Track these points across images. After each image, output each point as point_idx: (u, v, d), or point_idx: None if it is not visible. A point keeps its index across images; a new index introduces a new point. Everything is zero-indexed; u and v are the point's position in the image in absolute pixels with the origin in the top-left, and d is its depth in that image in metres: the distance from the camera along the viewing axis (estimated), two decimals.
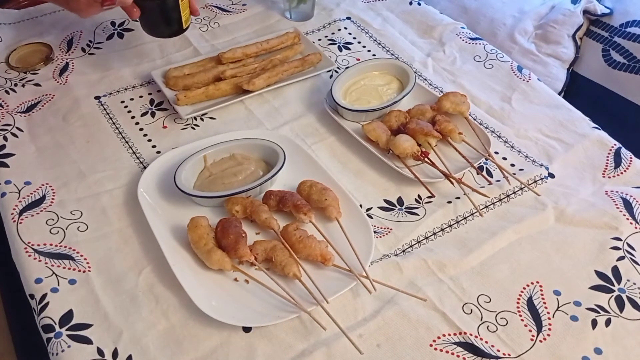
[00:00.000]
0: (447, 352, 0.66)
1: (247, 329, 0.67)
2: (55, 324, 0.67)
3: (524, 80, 1.03)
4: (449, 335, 0.67)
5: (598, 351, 0.66)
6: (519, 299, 0.71)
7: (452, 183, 0.83)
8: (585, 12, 1.26)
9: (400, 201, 0.83)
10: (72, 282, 0.72)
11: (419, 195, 0.84)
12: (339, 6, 1.23)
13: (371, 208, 0.82)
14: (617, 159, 0.89)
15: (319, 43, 1.13)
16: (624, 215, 0.80)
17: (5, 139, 0.91)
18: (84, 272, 0.73)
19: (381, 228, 0.79)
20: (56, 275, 0.72)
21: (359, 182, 0.86)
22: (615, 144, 0.91)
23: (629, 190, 0.84)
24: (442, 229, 0.79)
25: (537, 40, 1.30)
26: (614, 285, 0.72)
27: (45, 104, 0.98)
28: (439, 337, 0.67)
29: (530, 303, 0.71)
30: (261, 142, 0.86)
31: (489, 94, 1.01)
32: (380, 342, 0.67)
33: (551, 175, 0.87)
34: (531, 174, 0.86)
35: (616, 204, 0.82)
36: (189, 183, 0.81)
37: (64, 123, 0.94)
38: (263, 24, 1.17)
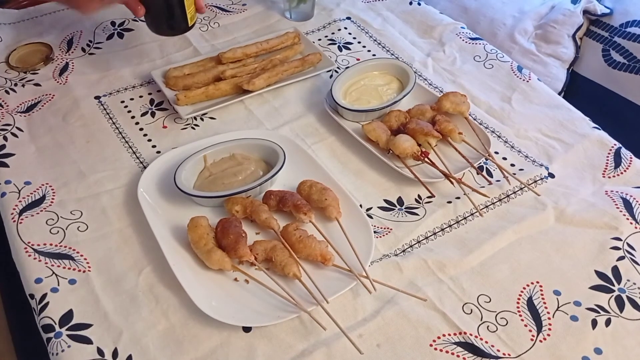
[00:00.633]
0: (447, 352, 0.66)
1: (247, 329, 0.67)
2: (55, 324, 0.67)
3: (524, 80, 1.03)
4: (449, 335, 0.67)
5: (598, 351, 0.66)
6: (519, 299, 0.71)
7: (452, 183, 0.83)
8: (585, 12, 1.26)
9: (400, 201, 0.83)
10: (72, 282, 0.72)
11: (419, 195, 0.84)
12: (339, 6, 1.23)
13: (371, 208, 0.82)
14: (617, 159, 0.89)
15: (319, 43, 1.13)
16: (624, 215, 0.80)
17: (5, 139, 0.91)
18: (84, 272, 0.73)
19: (381, 228, 0.79)
20: (56, 275, 0.72)
21: (359, 182, 0.86)
22: (615, 144, 0.91)
23: (629, 190, 0.84)
24: (442, 229, 0.79)
25: (537, 40, 1.30)
26: (614, 285, 0.72)
27: (45, 104, 0.98)
28: (439, 337, 0.67)
29: (530, 303, 0.71)
30: (261, 142, 0.86)
31: (489, 94, 1.01)
32: (380, 342, 0.67)
33: (551, 175, 0.87)
34: (531, 174, 0.86)
35: (616, 204, 0.82)
36: (189, 183, 0.81)
37: (64, 123, 0.94)
38: (263, 24, 1.17)
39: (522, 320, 0.69)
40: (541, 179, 0.86)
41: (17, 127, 0.93)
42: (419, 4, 1.23)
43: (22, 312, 0.77)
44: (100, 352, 0.65)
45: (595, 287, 0.72)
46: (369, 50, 1.12)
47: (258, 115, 0.96)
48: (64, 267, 0.73)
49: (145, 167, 0.85)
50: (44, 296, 0.70)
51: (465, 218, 0.81)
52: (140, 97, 1.00)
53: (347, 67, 1.01)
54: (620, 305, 0.70)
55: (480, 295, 0.71)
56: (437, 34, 1.15)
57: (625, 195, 0.83)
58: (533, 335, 0.68)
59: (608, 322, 0.69)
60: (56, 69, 1.05)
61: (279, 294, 0.68)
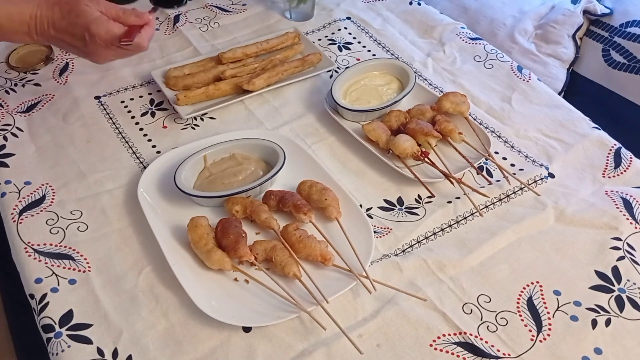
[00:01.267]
0: (447, 352, 0.66)
1: (247, 329, 0.67)
2: (55, 323, 0.67)
3: (524, 80, 1.03)
4: (449, 335, 0.67)
5: (598, 351, 0.66)
6: (519, 299, 0.71)
7: (452, 183, 0.83)
8: (585, 12, 1.26)
9: (400, 201, 0.83)
10: (72, 282, 0.72)
11: (419, 195, 0.84)
12: (339, 6, 1.23)
13: (371, 208, 0.82)
14: (617, 159, 0.89)
15: (319, 43, 1.13)
16: (624, 215, 0.80)
17: (5, 139, 0.91)
18: (84, 272, 0.73)
19: (381, 228, 0.79)
20: (56, 275, 0.72)
21: (359, 182, 0.86)
22: (615, 144, 0.91)
23: (629, 190, 0.84)
24: (442, 229, 0.79)
25: (537, 40, 1.30)
26: (614, 285, 0.72)
27: (45, 104, 0.98)
28: (439, 337, 0.67)
29: (530, 303, 0.71)
30: (261, 142, 0.86)
31: (489, 94, 1.01)
32: (380, 342, 0.67)
33: (551, 175, 0.87)
34: (531, 174, 0.86)
35: (616, 204, 0.82)
36: (189, 183, 0.81)
37: (64, 123, 0.94)
38: (263, 24, 1.17)
39: (522, 320, 0.69)
40: (541, 179, 0.86)
41: (17, 127, 0.93)
42: (419, 4, 1.23)
43: (22, 312, 0.77)
44: (100, 352, 0.65)
45: (595, 287, 0.72)
46: (369, 50, 1.12)
47: (258, 115, 0.96)
48: (64, 267, 0.73)
49: (145, 167, 0.85)
50: (44, 296, 0.70)
51: (465, 218, 0.81)
52: (140, 97, 1.00)
53: (347, 67, 1.01)
54: (620, 305, 0.70)
55: (480, 295, 0.71)
56: (437, 34, 1.15)
57: (625, 195, 0.83)
58: (533, 335, 0.67)
59: (608, 322, 0.69)
60: (56, 69, 1.05)
61: (279, 294, 0.68)
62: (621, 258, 0.75)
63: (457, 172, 0.85)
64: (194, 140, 0.89)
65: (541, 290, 0.72)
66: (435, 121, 0.89)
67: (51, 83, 1.02)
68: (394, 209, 0.82)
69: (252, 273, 0.71)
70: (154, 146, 0.91)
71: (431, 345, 0.66)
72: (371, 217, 0.81)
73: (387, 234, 0.79)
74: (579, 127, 0.94)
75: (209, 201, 0.80)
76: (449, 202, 0.82)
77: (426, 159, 0.84)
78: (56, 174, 0.86)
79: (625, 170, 0.87)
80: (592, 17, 1.27)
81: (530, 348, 0.66)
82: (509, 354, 0.66)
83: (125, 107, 0.98)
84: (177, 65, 1.02)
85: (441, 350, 0.66)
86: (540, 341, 0.67)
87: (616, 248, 0.76)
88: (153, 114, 0.97)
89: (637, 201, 0.82)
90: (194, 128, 0.94)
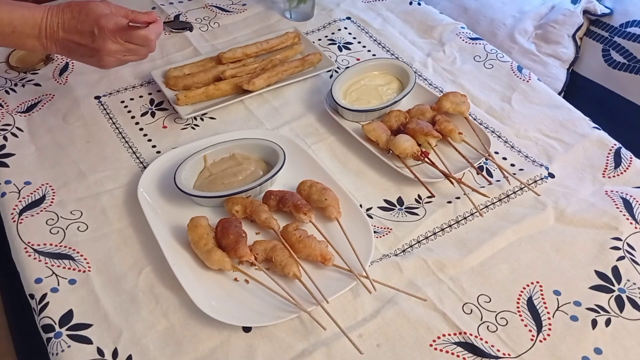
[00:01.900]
0: (447, 352, 0.66)
1: (247, 329, 0.67)
2: (55, 324, 0.67)
3: (524, 80, 1.03)
4: (449, 335, 0.67)
5: (598, 351, 0.66)
6: (519, 299, 0.71)
7: (452, 183, 0.83)
8: (585, 12, 1.26)
9: (400, 201, 0.83)
10: (72, 282, 0.72)
11: (419, 195, 0.84)
12: (339, 6, 1.23)
13: (371, 208, 0.82)
14: (617, 159, 0.89)
15: (319, 43, 1.13)
16: (624, 215, 0.80)
17: (5, 139, 0.91)
18: (84, 272, 0.73)
19: (381, 228, 0.79)
20: (56, 275, 0.72)
21: (359, 182, 0.86)
22: (615, 144, 0.91)
23: (629, 190, 0.84)
24: (442, 229, 0.79)
25: (537, 40, 1.30)
26: (614, 285, 0.72)
27: (45, 104, 0.98)
28: (439, 337, 0.67)
29: (530, 303, 0.71)
30: (261, 142, 0.86)
31: (489, 94, 1.01)
32: (380, 342, 0.67)
33: (551, 175, 0.87)
34: (531, 174, 0.86)
35: (616, 204, 0.82)
36: (189, 183, 0.81)
37: (64, 123, 0.94)
38: (263, 24, 1.17)
39: (522, 320, 0.69)
40: (541, 179, 0.86)
41: (17, 127, 0.93)
42: (419, 4, 1.23)
43: (22, 312, 0.77)
44: (100, 352, 0.65)
45: (595, 287, 0.72)
46: (369, 50, 1.12)
47: (258, 115, 0.96)
48: (64, 267, 0.73)
49: (145, 167, 0.85)
50: (44, 296, 0.70)
51: (465, 218, 0.81)
52: (140, 97, 1.00)
53: (347, 67, 1.02)
54: (620, 305, 0.70)
55: (480, 295, 0.71)
56: (437, 34, 1.15)
57: (625, 195, 0.83)
58: (533, 335, 0.67)
59: (608, 322, 0.69)
60: (56, 69, 1.05)
61: (279, 294, 0.68)
62: (621, 258, 0.75)
63: (457, 172, 0.85)
64: (194, 140, 0.89)
65: (541, 290, 0.72)
66: (435, 121, 0.89)
67: (51, 83, 1.02)
68: (394, 209, 0.82)
69: (252, 273, 0.71)
70: (154, 146, 0.91)
71: (431, 345, 0.66)
72: (371, 217, 0.81)
73: (387, 234, 0.79)
74: (579, 127, 0.94)
75: (209, 201, 0.80)
76: (449, 202, 0.82)
77: (426, 159, 0.84)
78: (56, 174, 0.86)
79: (625, 170, 0.87)
80: (592, 17, 1.27)
81: (530, 348, 0.66)
82: (509, 354, 0.66)
83: (125, 107, 0.98)
84: (177, 65, 1.02)
85: (441, 350, 0.66)
86: (540, 341, 0.67)
87: (616, 248, 0.76)
88: (153, 114, 0.97)
89: (637, 201, 0.82)
90: (194, 128, 0.94)
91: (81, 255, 0.75)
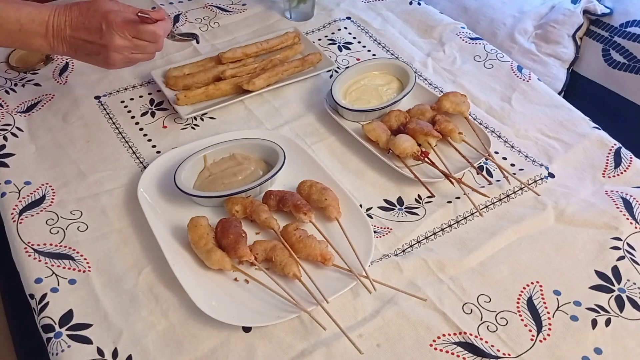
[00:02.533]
0: (447, 352, 0.66)
1: (247, 329, 0.67)
2: (55, 324, 0.67)
3: (524, 80, 1.03)
4: (449, 335, 0.67)
5: (598, 351, 0.66)
6: (519, 299, 0.71)
7: (452, 183, 0.83)
8: (585, 12, 1.26)
9: (400, 201, 0.83)
10: (72, 282, 0.72)
11: (419, 195, 0.84)
12: (339, 6, 1.23)
13: (371, 208, 0.82)
14: (617, 159, 0.89)
15: (319, 43, 1.13)
16: (624, 215, 0.80)
17: (5, 139, 0.91)
18: (83, 272, 0.73)
19: (381, 228, 0.79)
20: (56, 275, 0.72)
21: (359, 182, 0.86)
22: (615, 144, 0.91)
23: (629, 190, 0.84)
24: (442, 229, 0.79)
25: (537, 40, 1.30)
26: (614, 285, 0.72)
27: (45, 103, 0.98)
28: (438, 337, 0.67)
29: (530, 303, 0.71)
30: (261, 142, 0.86)
31: (489, 94, 1.01)
32: (380, 342, 0.67)
33: (551, 175, 0.87)
34: (531, 174, 0.86)
35: (616, 204, 0.82)
36: (189, 183, 0.81)
37: (64, 123, 0.94)
38: (263, 24, 1.17)
39: (522, 320, 0.69)
40: (541, 179, 0.86)
41: (17, 127, 0.93)
42: (419, 4, 1.23)
43: (22, 312, 0.77)
44: (100, 352, 0.65)
45: (595, 287, 0.72)
46: (369, 50, 1.12)
47: (258, 115, 0.96)
48: (64, 267, 0.73)
49: (145, 167, 0.85)
50: (44, 296, 0.70)
51: (465, 218, 0.81)
52: (140, 97, 1.00)
53: (347, 67, 1.02)
54: (620, 305, 0.70)
55: (480, 295, 0.71)
56: (437, 34, 1.15)
57: (625, 195, 0.83)
58: (533, 335, 0.67)
59: (608, 322, 0.69)
60: (56, 69, 1.05)
61: (279, 294, 0.68)
62: (621, 258, 0.75)
63: (457, 172, 0.85)
64: (194, 140, 0.89)
65: (541, 290, 0.72)
66: (435, 121, 0.89)
67: (51, 83, 1.02)
68: (394, 209, 0.82)
69: (252, 273, 0.71)
70: (154, 146, 0.91)
71: (431, 345, 0.66)
72: (371, 217, 0.81)
73: (387, 233, 0.79)
74: (579, 127, 0.94)
75: (209, 201, 0.80)
76: (449, 202, 0.82)
77: (426, 159, 0.84)
78: (56, 174, 0.86)
79: (625, 170, 0.87)
80: (592, 17, 1.27)
81: (530, 348, 0.66)
82: (509, 354, 0.66)
83: (125, 107, 0.98)
84: (177, 65, 1.02)
85: (441, 350, 0.66)
86: (540, 341, 0.67)
87: (616, 248, 0.76)
88: (153, 114, 0.97)
89: (637, 201, 0.82)
90: (194, 128, 0.94)
91: (81, 255, 0.75)
